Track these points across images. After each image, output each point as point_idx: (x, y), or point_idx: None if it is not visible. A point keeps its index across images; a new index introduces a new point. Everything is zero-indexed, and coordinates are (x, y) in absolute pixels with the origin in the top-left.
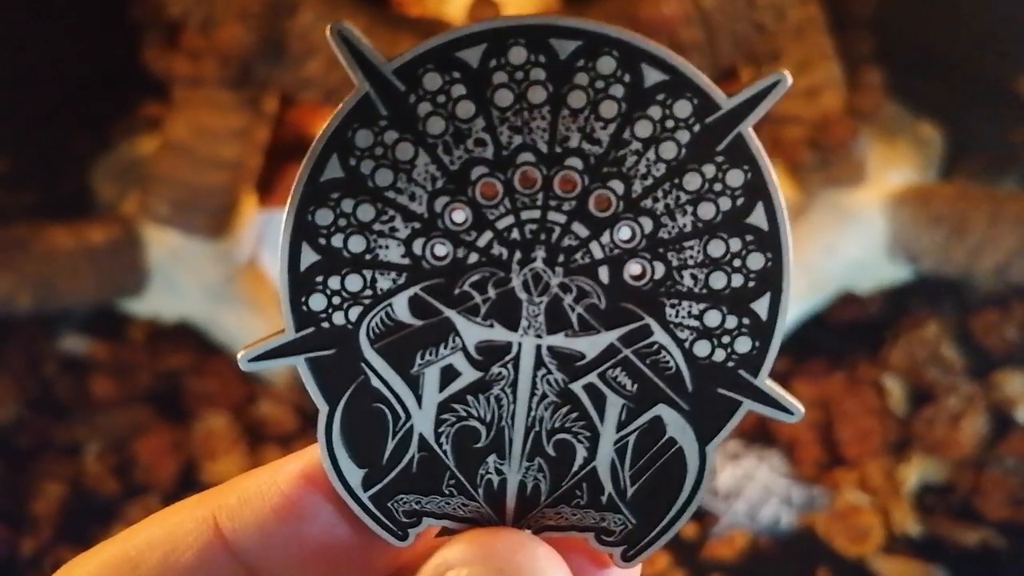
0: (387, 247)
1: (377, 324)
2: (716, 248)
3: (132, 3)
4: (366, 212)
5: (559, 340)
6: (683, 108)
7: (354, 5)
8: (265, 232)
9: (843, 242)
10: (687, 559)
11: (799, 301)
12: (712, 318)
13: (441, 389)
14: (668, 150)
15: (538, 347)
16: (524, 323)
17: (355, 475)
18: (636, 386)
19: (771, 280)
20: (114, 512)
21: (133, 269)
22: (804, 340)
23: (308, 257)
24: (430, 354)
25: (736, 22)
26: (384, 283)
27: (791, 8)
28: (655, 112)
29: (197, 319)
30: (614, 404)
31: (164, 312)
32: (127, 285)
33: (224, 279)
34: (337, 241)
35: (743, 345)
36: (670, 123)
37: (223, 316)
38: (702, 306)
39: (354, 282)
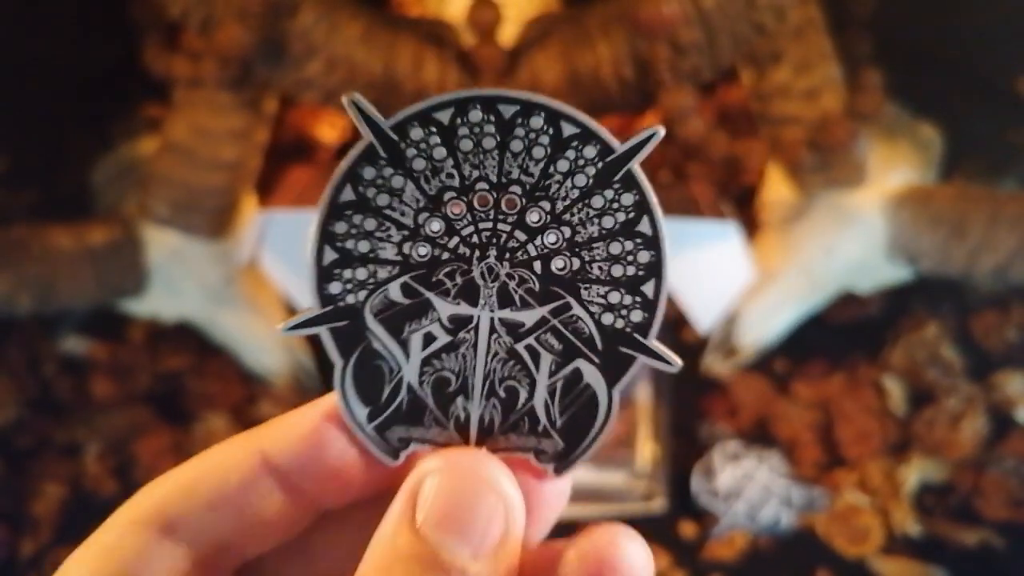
0: (385, 248)
1: (378, 303)
2: (615, 248)
3: (132, 3)
4: (370, 224)
5: (507, 313)
6: (590, 151)
7: (354, 6)
8: (265, 233)
9: (843, 243)
10: (687, 559)
11: (799, 301)
12: (614, 297)
13: (423, 349)
14: (580, 180)
15: (492, 319)
16: (482, 301)
17: (361, 412)
18: (561, 346)
19: (655, 270)
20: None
21: (133, 269)
22: (804, 340)
23: (329, 256)
24: (415, 324)
25: (736, 22)
26: (383, 274)
27: (791, 9)
28: (571, 154)
29: (197, 320)
30: (546, 359)
31: (164, 312)
32: (127, 285)
33: (224, 280)
34: (350, 244)
35: (636, 316)
36: (581, 161)
37: (223, 317)
38: (606, 288)
39: (361, 273)
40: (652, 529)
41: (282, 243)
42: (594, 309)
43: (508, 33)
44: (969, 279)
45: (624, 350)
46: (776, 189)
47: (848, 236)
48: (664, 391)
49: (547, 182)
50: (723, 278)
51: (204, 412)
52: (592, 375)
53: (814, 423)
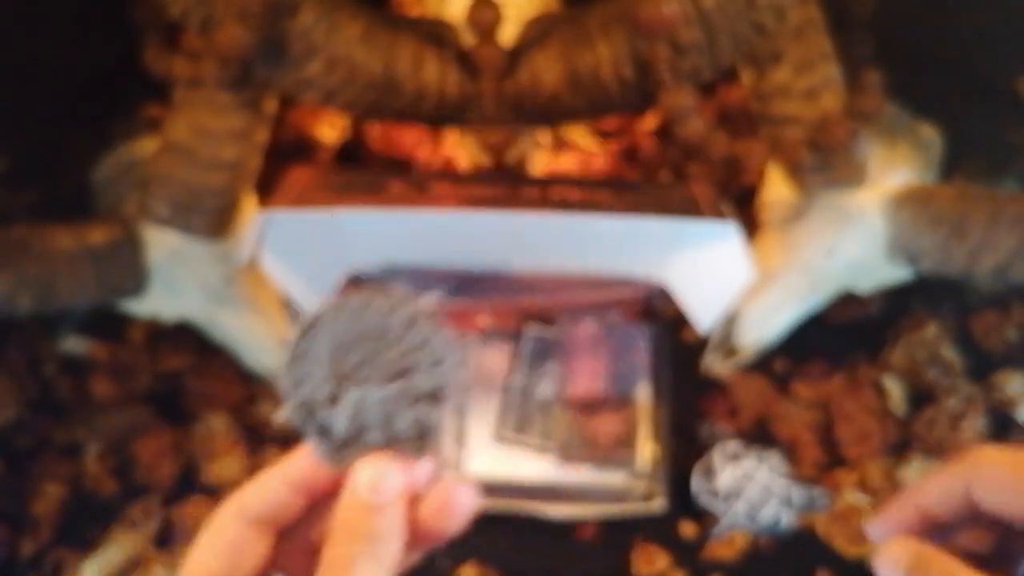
0: (319, 374)
1: (321, 397)
2: (425, 353)
3: (132, 3)
4: (310, 366)
5: (381, 391)
6: (404, 316)
7: (354, 6)
8: (265, 233)
9: (843, 243)
10: (687, 559)
11: (799, 301)
12: (431, 373)
13: (346, 416)
14: (403, 322)
15: (376, 396)
16: (371, 389)
17: (324, 448)
18: (408, 401)
19: (443, 363)
20: (114, 513)
21: (133, 269)
22: (804, 340)
23: (296, 377)
24: (339, 405)
25: (736, 22)
26: (320, 384)
27: (791, 9)
28: (397, 318)
29: (197, 320)
30: (404, 408)
31: (164, 312)
32: (127, 285)
33: (224, 280)
34: (306, 371)
35: (438, 381)
36: (405, 320)
37: (223, 317)
38: (424, 370)
39: (311, 385)
40: (652, 529)
41: (282, 243)
42: (422, 382)
43: (508, 33)
44: (969, 279)
45: (437, 396)
46: (776, 189)
47: (848, 236)
48: (664, 391)
49: (390, 332)
50: (723, 278)
51: (204, 412)
52: (426, 411)
53: (814, 423)
